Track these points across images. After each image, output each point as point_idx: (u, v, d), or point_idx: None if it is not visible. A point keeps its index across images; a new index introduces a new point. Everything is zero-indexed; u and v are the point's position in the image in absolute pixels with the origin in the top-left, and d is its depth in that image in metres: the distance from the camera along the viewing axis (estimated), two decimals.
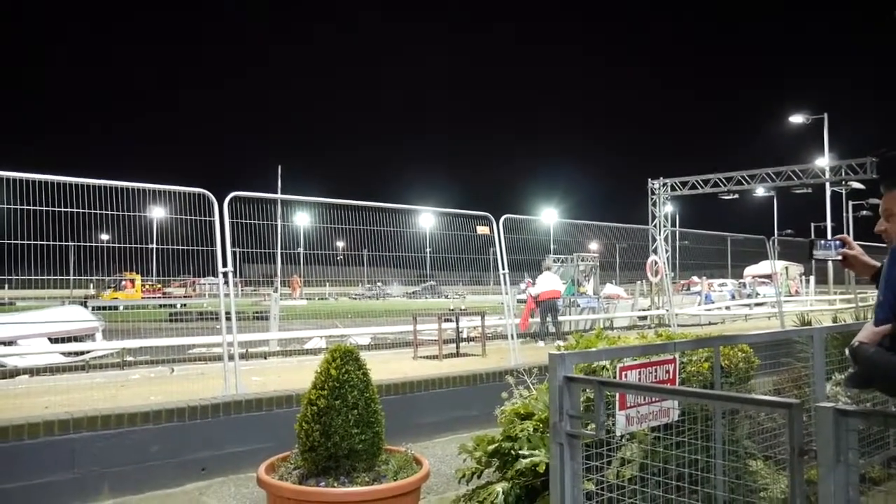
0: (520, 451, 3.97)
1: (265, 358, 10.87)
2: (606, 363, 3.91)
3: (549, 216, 17.13)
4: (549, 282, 12.97)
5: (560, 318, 13.44)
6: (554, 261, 15.79)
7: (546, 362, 2.82)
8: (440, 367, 8.89)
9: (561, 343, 11.37)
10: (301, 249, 11.98)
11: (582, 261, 18.02)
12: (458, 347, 10.68)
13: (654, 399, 3.24)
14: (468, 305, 12.17)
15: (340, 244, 11.29)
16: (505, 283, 9.09)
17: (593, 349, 3.88)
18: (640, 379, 3.43)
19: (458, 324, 10.88)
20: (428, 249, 12.44)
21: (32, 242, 7.09)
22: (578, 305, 17.38)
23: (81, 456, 5.25)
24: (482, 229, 9.72)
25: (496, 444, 4.24)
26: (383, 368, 7.84)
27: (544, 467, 3.68)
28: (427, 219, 11.51)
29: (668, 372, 3.59)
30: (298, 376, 7.86)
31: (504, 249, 9.14)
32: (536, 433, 4.10)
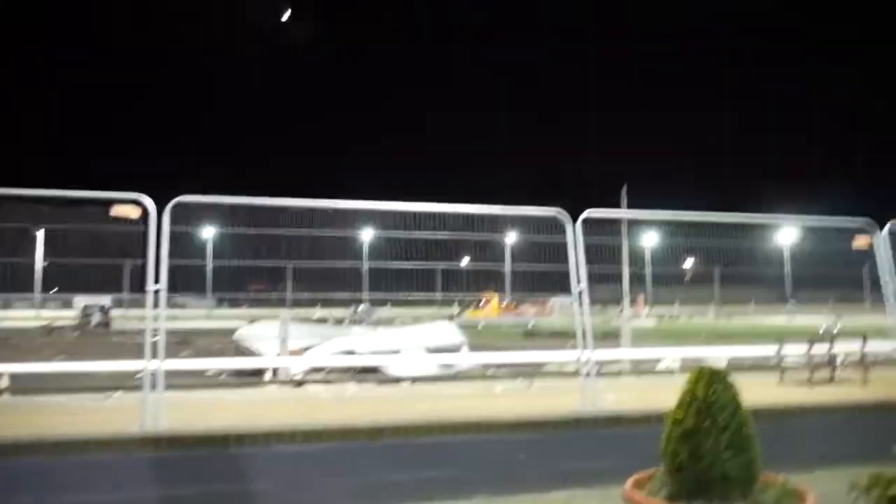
0: None
1: (617, 375, 10.93)
2: None
3: None
4: None
5: None
6: None
7: None
8: (811, 394, 8.09)
9: None
10: (647, 268, 11.83)
11: None
12: (832, 374, 9.55)
13: None
14: (843, 328, 10.82)
15: (690, 262, 10.89)
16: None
17: None
18: None
19: (831, 348, 9.74)
20: (786, 267, 11.37)
21: (407, 265, 8.11)
22: None
23: (460, 456, 5.81)
24: (861, 240, 8.58)
25: None
26: (745, 392, 7.33)
27: None
28: (787, 232, 10.57)
29: None
30: (651, 395, 7.73)
31: (891, 263, 7.95)
32: None
